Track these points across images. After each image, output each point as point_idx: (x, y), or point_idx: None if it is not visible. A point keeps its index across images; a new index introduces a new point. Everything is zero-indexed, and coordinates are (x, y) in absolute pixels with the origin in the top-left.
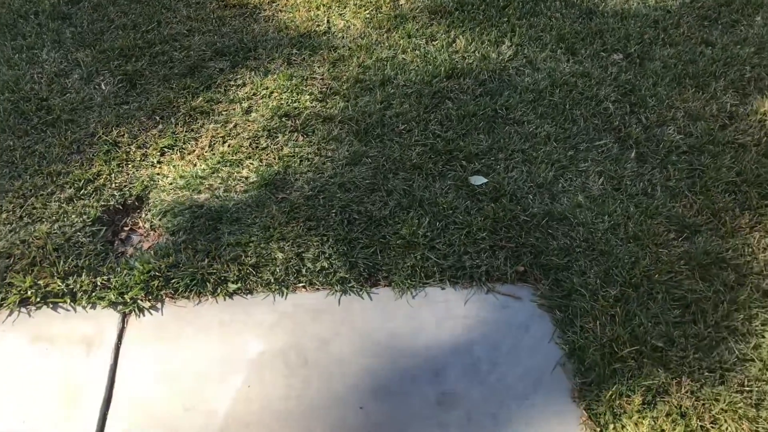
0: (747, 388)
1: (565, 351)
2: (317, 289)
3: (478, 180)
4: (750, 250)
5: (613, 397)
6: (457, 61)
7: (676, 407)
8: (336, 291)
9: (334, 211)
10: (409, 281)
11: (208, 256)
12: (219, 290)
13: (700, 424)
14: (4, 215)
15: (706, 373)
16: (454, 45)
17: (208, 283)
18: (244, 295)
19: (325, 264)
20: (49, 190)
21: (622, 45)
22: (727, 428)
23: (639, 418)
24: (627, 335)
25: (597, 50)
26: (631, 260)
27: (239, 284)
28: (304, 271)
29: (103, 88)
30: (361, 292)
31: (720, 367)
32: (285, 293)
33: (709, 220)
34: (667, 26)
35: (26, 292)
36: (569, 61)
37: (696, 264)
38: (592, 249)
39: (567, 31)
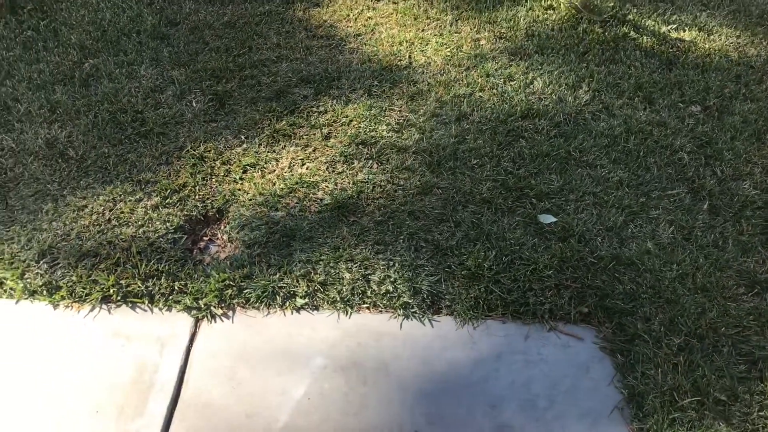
0: None
1: (624, 395)
2: (380, 311)
3: (548, 219)
4: None
5: None
6: (533, 102)
7: None
8: (399, 315)
9: (402, 237)
10: (471, 312)
11: (279, 270)
12: (287, 304)
13: None
14: (94, 217)
15: None
16: (531, 86)
17: (278, 296)
18: (311, 311)
19: (390, 288)
20: (137, 196)
21: (700, 97)
22: None
23: None
24: (689, 385)
25: (675, 101)
26: (698, 311)
27: (307, 300)
28: (369, 292)
29: (194, 105)
30: (423, 319)
31: None
32: (349, 313)
33: None
34: (749, 81)
35: (108, 290)
36: (646, 110)
37: (766, 321)
38: (658, 296)
39: (645, 80)
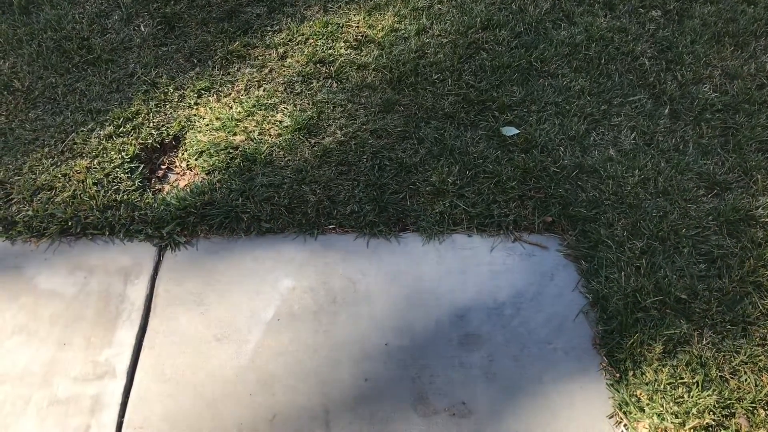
0: None
1: (588, 300)
2: (347, 231)
3: (510, 131)
4: None
5: (634, 345)
6: (493, 13)
7: (696, 357)
8: (365, 234)
9: (365, 156)
10: (436, 227)
11: (242, 195)
12: (252, 228)
13: (719, 374)
14: (46, 149)
15: (729, 326)
16: None
17: (241, 221)
18: (277, 234)
19: (356, 207)
20: (90, 126)
21: (661, 1)
22: (746, 380)
23: (659, 365)
24: (651, 286)
25: (635, 6)
26: (659, 214)
27: (271, 223)
28: (334, 213)
29: (143, 29)
30: (389, 237)
31: (743, 321)
32: (315, 234)
33: (740, 178)
34: None
35: (67, 223)
36: (607, 17)
37: (724, 220)
38: (620, 202)
39: None
